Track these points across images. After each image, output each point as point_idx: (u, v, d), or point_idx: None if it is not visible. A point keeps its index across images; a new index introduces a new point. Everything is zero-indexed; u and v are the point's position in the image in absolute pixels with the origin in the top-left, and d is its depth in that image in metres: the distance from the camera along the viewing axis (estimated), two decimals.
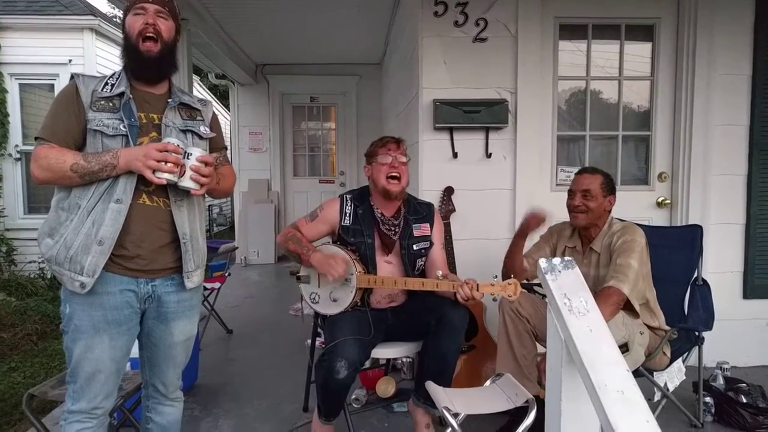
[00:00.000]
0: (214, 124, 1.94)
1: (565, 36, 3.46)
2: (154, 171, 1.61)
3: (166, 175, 1.62)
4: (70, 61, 6.69)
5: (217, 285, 4.28)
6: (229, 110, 8.93)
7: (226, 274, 4.55)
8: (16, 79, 6.81)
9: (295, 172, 7.90)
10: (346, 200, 2.53)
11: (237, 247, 6.69)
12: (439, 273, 2.32)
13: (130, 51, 1.73)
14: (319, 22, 5.31)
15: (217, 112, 2.03)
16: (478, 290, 2.20)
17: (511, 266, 2.66)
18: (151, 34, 1.71)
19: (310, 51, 6.62)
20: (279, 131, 7.61)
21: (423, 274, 2.57)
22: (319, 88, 7.64)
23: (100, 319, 1.67)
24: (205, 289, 4.18)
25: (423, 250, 2.52)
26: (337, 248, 2.46)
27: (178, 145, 1.65)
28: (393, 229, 2.50)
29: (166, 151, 1.62)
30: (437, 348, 2.31)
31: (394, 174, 2.42)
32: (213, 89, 12.03)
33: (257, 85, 7.48)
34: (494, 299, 2.25)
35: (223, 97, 12.32)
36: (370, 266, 2.43)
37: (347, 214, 2.49)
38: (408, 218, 2.52)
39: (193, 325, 1.93)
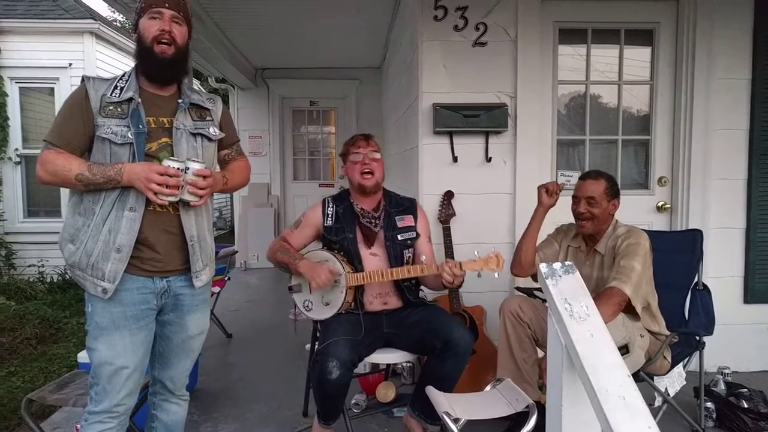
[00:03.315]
0: (225, 120, 1.98)
1: (564, 40, 3.46)
2: (155, 192, 1.66)
3: (168, 198, 1.69)
4: (70, 64, 6.71)
5: (216, 289, 4.27)
6: None
7: (226, 278, 4.55)
8: (17, 82, 6.82)
9: (294, 176, 7.90)
10: (328, 202, 2.63)
11: (237, 251, 6.68)
12: (423, 258, 2.41)
13: (143, 54, 1.75)
14: (319, 27, 5.32)
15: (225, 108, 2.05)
16: (461, 268, 2.26)
17: (524, 254, 2.61)
18: (166, 41, 1.73)
19: (310, 55, 6.63)
20: (279, 135, 7.61)
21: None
22: (318, 92, 7.65)
23: (119, 315, 1.73)
24: None
25: (409, 241, 2.57)
26: (323, 252, 2.52)
27: (178, 168, 1.69)
28: (373, 222, 2.56)
29: (167, 174, 1.66)
30: (440, 370, 2.33)
31: (366, 170, 2.52)
32: (213, 93, 12.04)
33: (257, 89, 7.49)
34: (478, 275, 2.27)
35: (223, 101, 12.30)
36: (355, 261, 2.48)
37: (329, 215, 2.58)
38: (389, 211, 2.60)
39: (207, 319, 2.00)
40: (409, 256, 2.58)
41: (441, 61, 3.30)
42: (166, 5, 1.75)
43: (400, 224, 2.58)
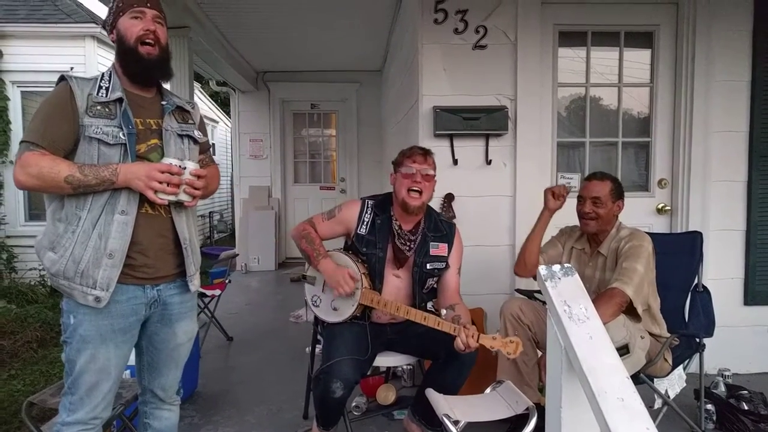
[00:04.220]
0: (201, 126, 1.95)
1: (564, 43, 3.47)
2: (156, 191, 1.62)
3: (169, 197, 1.65)
4: (72, 68, 6.71)
5: (217, 292, 4.27)
6: (230, 117, 8.94)
7: (227, 281, 4.55)
8: (18, 86, 6.84)
9: (295, 178, 7.91)
10: (367, 206, 2.47)
11: (237, 254, 6.69)
12: (444, 312, 2.28)
13: (127, 54, 1.70)
14: (319, 30, 5.34)
15: (201, 113, 2.02)
16: (477, 341, 2.12)
17: (529, 255, 2.60)
18: (150, 41, 1.70)
19: (310, 58, 6.65)
20: (279, 138, 7.62)
21: (432, 293, 2.53)
22: (319, 95, 7.67)
23: (107, 328, 1.67)
24: (206, 296, 4.18)
25: (436, 270, 2.46)
26: (346, 257, 2.42)
27: (179, 166, 1.66)
28: (408, 244, 2.43)
29: (169, 172, 1.62)
30: (443, 379, 2.32)
31: (415, 188, 2.35)
32: (214, 96, 12.07)
33: (258, 92, 7.51)
34: (494, 353, 2.19)
35: (224, 104, 12.34)
36: (377, 280, 2.39)
37: (365, 222, 2.43)
38: (427, 234, 2.46)
39: (195, 325, 1.96)
40: (432, 284, 2.49)
41: (441, 64, 3.30)
42: (148, 5, 1.71)
43: (432, 251, 2.44)
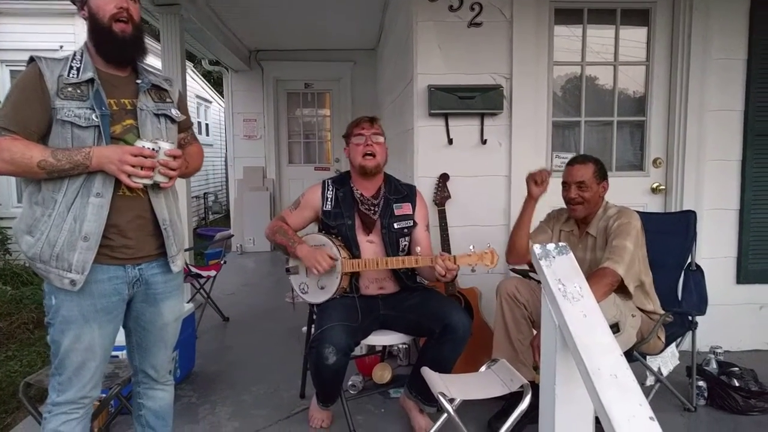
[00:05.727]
0: (181, 103, 1.92)
1: (560, 21, 3.43)
2: (129, 175, 1.60)
3: (143, 180, 1.63)
4: (61, 47, 6.60)
5: (213, 273, 4.28)
6: (223, 97, 8.86)
7: (222, 262, 4.55)
8: (7, 65, 6.75)
9: (290, 159, 7.87)
10: (328, 185, 2.61)
11: (233, 235, 6.69)
12: (418, 249, 2.42)
13: (101, 33, 1.67)
14: (313, 7, 5.25)
15: (180, 90, 1.98)
16: (455, 263, 2.27)
17: (518, 242, 2.62)
18: (124, 18, 1.66)
19: (304, 37, 6.57)
20: (273, 118, 7.56)
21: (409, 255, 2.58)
22: (313, 74, 7.58)
23: (89, 308, 1.66)
24: (201, 276, 4.18)
25: (405, 229, 2.56)
26: (321, 236, 2.52)
27: (153, 149, 1.62)
28: (372, 208, 2.55)
29: (142, 155, 1.60)
30: (438, 354, 2.35)
31: (368, 152, 2.50)
32: (207, 76, 11.95)
33: (251, 72, 7.42)
34: (472, 270, 2.28)
35: (217, 84, 12.23)
36: (353, 247, 2.48)
37: (329, 199, 2.57)
38: (389, 198, 2.59)
39: (182, 304, 1.96)
40: (406, 244, 2.58)
41: (436, 42, 3.27)
42: None
43: (397, 212, 2.57)
